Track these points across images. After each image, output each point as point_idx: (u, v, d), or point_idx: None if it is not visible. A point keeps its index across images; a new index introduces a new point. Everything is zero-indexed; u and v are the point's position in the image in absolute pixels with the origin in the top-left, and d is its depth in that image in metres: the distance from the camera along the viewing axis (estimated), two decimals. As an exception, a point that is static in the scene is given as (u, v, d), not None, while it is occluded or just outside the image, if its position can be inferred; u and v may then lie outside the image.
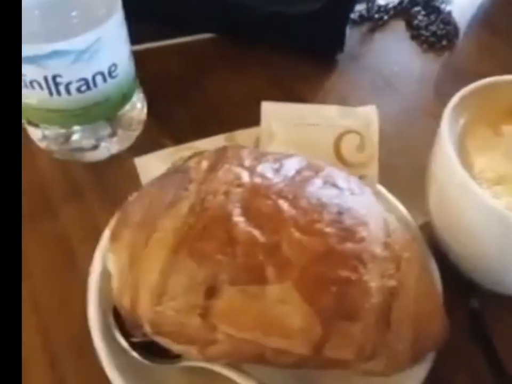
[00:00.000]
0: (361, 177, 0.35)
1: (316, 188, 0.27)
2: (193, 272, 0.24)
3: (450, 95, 0.32)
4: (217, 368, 0.28)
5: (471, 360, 0.31)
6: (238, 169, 0.27)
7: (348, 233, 0.25)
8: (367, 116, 0.38)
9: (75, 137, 0.41)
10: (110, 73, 0.36)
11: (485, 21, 0.60)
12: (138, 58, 0.41)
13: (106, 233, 0.32)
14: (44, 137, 0.41)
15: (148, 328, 0.25)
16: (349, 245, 0.25)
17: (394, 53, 0.55)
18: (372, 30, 0.57)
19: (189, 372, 0.29)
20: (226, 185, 0.26)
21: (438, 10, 0.59)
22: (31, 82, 0.35)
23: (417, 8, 0.59)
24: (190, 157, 0.30)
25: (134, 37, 0.40)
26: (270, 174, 0.27)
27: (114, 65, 0.37)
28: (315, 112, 0.38)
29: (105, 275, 0.30)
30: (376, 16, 0.58)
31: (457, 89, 0.32)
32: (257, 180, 0.27)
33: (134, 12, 0.38)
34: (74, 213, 0.38)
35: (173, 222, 0.25)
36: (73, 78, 0.35)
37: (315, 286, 0.24)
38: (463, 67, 0.53)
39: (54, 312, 0.33)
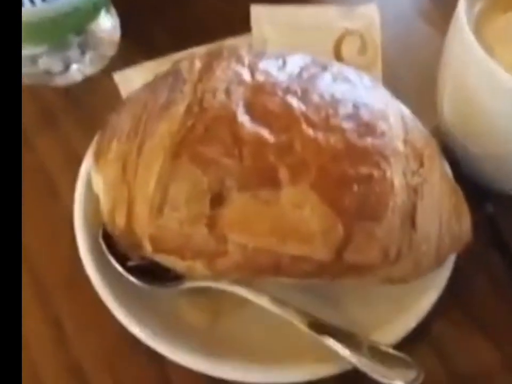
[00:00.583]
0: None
1: (326, 83, 0.24)
2: (196, 179, 0.22)
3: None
4: (224, 285, 0.25)
5: (488, 265, 0.30)
6: (238, 67, 0.24)
7: (367, 128, 0.23)
8: (367, 16, 0.35)
9: (43, 59, 0.37)
10: (77, -24, 0.32)
11: None
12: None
13: (88, 156, 0.29)
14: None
15: (147, 246, 0.23)
16: (369, 140, 0.22)
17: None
18: None
19: (190, 294, 0.27)
20: (226, 83, 0.23)
21: None
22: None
23: None
24: (178, 61, 0.27)
25: None
26: (273, 71, 0.24)
27: (82, -33, 0.32)
28: (311, 14, 0.34)
29: (91, 200, 0.27)
30: None
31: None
32: (260, 77, 0.24)
33: None
34: (51, 142, 0.35)
35: (168, 126, 0.22)
36: (36, -17, 0.30)
37: (335, 186, 0.22)
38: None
39: (41, 246, 0.30)
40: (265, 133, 0.22)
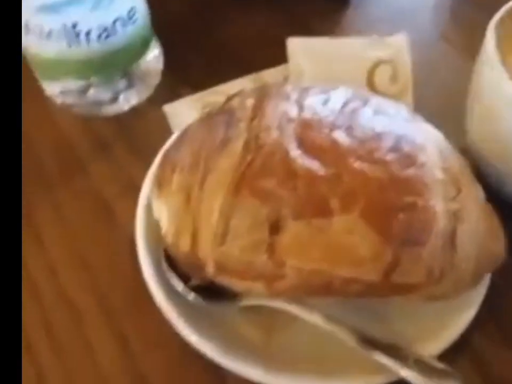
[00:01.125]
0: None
1: (367, 118, 0.26)
2: (256, 210, 0.24)
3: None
4: (280, 304, 0.28)
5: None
6: (286, 105, 0.27)
7: (409, 159, 0.25)
8: (397, 45, 0.37)
9: (92, 90, 0.40)
10: (129, 17, 0.35)
11: None
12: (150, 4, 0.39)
13: (146, 184, 0.32)
14: (61, 92, 0.39)
15: (210, 269, 0.25)
16: (412, 171, 0.24)
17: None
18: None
19: (246, 312, 0.29)
20: (277, 120, 0.26)
21: None
22: (49, 33, 0.33)
23: None
24: (228, 99, 0.29)
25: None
26: (318, 107, 0.27)
27: (133, 8, 0.35)
28: (344, 45, 0.37)
29: (151, 225, 0.30)
30: None
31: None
32: (307, 114, 0.26)
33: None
34: (105, 169, 0.37)
35: (228, 161, 0.25)
36: (93, 25, 0.33)
37: (382, 214, 0.24)
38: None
39: (103, 268, 0.33)
40: (316, 166, 0.24)
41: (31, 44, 0.35)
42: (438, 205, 0.24)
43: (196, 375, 0.29)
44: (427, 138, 0.27)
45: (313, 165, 0.24)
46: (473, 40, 0.33)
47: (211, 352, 0.26)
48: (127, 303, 0.31)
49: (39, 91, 0.40)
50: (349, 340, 0.26)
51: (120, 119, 0.40)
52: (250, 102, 0.27)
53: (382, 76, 0.35)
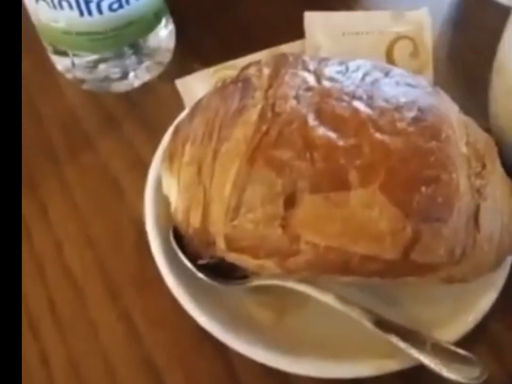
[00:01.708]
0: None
1: (389, 88, 0.25)
2: (271, 182, 0.23)
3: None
4: (290, 284, 0.27)
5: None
6: (305, 74, 0.25)
7: (432, 132, 0.23)
8: (418, 20, 0.35)
9: (102, 66, 0.39)
10: (142, -13, 0.33)
11: None
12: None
13: (157, 159, 0.31)
14: (72, 66, 0.38)
15: (221, 245, 0.24)
16: (435, 143, 0.23)
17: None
18: None
19: (256, 292, 0.28)
20: (295, 89, 0.24)
21: None
22: (59, 2, 0.32)
23: None
24: (244, 68, 0.28)
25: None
26: (338, 77, 0.25)
27: (146, -22, 0.34)
28: (363, 19, 0.35)
29: (160, 201, 0.29)
30: None
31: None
32: (327, 83, 0.25)
33: None
34: (114, 145, 0.36)
35: (243, 131, 0.24)
36: (104, -6, 0.32)
37: (403, 188, 0.22)
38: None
39: (109, 244, 0.32)
40: (335, 137, 0.23)
41: (41, 12, 0.34)
42: (462, 180, 0.23)
43: (202, 356, 0.28)
44: (451, 112, 0.25)
45: (332, 135, 0.23)
46: (497, 19, 0.32)
47: (219, 333, 0.25)
48: (133, 282, 0.30)
49: (51, 66, 0.39)
50: (364, 322, 0.25)
51: (131, 96, 0.39)
52: (266, 70, 0.26)
53: (401, 51, 0.34)
